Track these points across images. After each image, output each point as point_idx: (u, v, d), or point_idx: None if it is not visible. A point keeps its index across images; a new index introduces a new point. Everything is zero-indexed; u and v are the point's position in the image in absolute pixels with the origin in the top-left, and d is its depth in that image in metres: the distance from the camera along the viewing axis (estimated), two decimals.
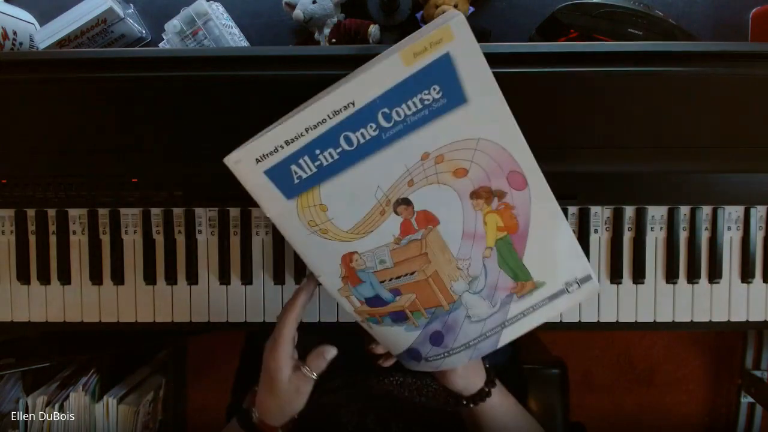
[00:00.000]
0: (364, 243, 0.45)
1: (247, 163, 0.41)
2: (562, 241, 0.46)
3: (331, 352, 0.49)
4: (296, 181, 0.42)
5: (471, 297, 0.47)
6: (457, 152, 0.41)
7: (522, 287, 0.47)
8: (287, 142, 0.40)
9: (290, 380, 0.48)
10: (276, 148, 0.41)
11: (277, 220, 0.44)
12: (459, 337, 0.49)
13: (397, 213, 0.43)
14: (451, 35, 0.37)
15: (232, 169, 0.42)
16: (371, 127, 0.40)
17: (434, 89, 0.39)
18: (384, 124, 0.40)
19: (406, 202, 0.43)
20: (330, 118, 0.39)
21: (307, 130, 0.40)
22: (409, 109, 0.40)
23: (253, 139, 0.41)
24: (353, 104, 0.39)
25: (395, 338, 0.50)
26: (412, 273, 0.46)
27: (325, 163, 0.41)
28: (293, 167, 0.41)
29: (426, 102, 0.39)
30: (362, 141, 0.40)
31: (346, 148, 0.41)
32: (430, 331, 0.49)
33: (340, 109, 0.39)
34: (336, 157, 0.41)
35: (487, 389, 0.52)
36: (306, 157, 0.41)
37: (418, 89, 0.39)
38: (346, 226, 0.44)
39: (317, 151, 0.41)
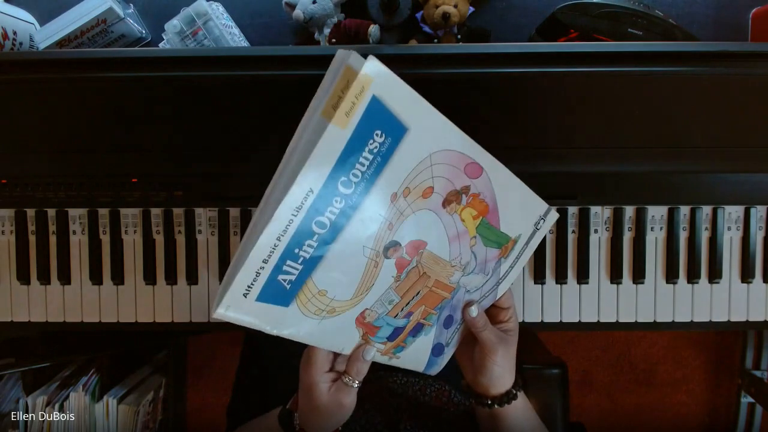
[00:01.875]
0: (370, 297, 0.45)
1: (237, 304, 0.39)
2: (519, 193, 0.49)
3: (369, 352, 0.46)
4: (288, 286, 0.40)
5: (466, 278, 0.49)
6: (418, 176, 0.42)
7: (506, 249, 0.50)
8: (265, 261, 0.38)
9: (330, 394, 0.46)
10: (257, 273, 0.39)
11: (285, 331, 0.43)
12: (458, 312, 0.51)
13: (388, 257, 0.44)
14: (369, 78, 0.37)
15: (223, 318, 0.39)
16: (336, 200, 0.39)
17: (377, 134, 0.39)
18: (347, 191, 0.39)
19: (393, 244, 0.43)
20: (296, 215, 0.38)
21: (278, 239, 0.38)
22: (363, 165, 0.39)
23: (230, 278, 0.39)
24: (312, 191, 0.38)
25: (419, 351, 0.52)
26: (418, 293, 0.47)
27: (308, 256, 0.40)
28: (280, 277, 0.40)
29: (374, 150, 0.39)
30: (334, 218, 0.39)
31: (322, 231, 0.39)
32: (442, 320, 0.51)
33: (302, 203, 0.38)
34: (315, 244, 0.40)
35: (514, 391, 0.51)
36: (289, 261, 0.39)
37: (364, 142, 0.38)
38: (348, 296, 0.44)
39: (296, 250, 0.39)
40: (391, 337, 0.49)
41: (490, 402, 0.51)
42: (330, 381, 0.47)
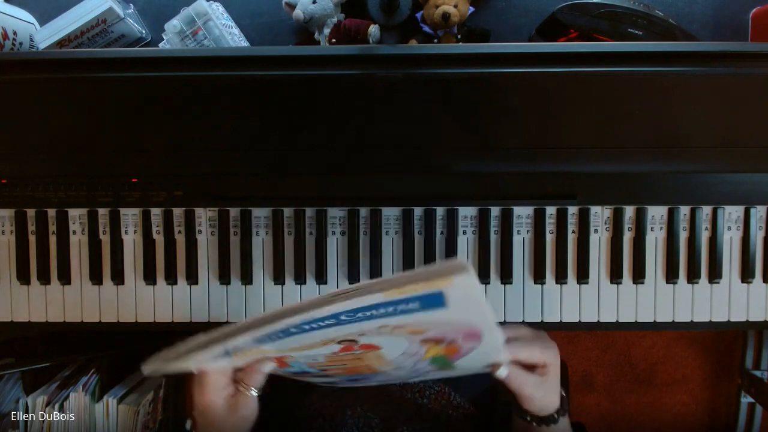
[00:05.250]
0: (300, 354, 0.44)
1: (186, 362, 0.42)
2: (494, 351, 0.46)
3: (267, 365, 0.44)
4: (234, 351, 0.41)
5: (392, 372, 0.48)
6: (420, 325, 0.39)
7: (440, 369, 0.49)
8: (235, 347, 0.40)
9: (229, 411, 0.45)
10: (223, 351, 0.40)
11: (209, 365, 0.43)
12: (367, 381, 0.52)
13: (339, 343, 0.42)
14: (451, 283, 0.33)
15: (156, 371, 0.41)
16: (329, 322, 0.37)
17: (411, 304, 0.35)
18: (344, 318, 0.37)
19: (352, 342, 0.42)
20: (285, 329, 0.38)
21: (256, 338, 0.39)
22: (376, 313, 0.36)
23: (190, 350, 0.40)
24: (310, 321, 0.37)
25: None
26: (344, 365, 0.46)
27: (271, 338, 0.40)
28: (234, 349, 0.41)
29: (396, 310, 0.36)
30: (314, 327, 0.38)
31: (297, 332, 0.39)
32: (345, 380, 0.51)
33: (291, 326, 0.37)
34: (284, 336, 0.39)
35: (556, 416, 0.50)
36: (252, 343, 0.41)
37: (394, 305, 0.36)
38: (283, 348, 0.43)
39: (262, 340, 0.40)
40: (297, 374, 0.49)
41: (529, 418, 0.51)
42: (225, 398, 0.45)
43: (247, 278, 0.63)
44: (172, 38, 0.71)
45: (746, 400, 1.24)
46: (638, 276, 0.62)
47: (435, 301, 0.35)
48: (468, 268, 0.33)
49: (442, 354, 0.45)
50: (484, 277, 0.62)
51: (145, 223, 0.63)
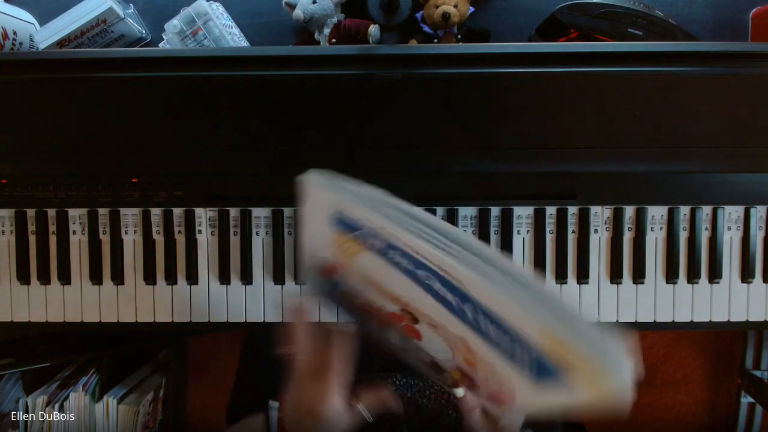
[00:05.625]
0: (361, 263, 0.42)
1: (325, 199, 0.39)
2: None
3: (393, 401, 0.44)
4: (356, 232, 0.39)
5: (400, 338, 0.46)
6: (491, 367, 0.40)
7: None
8: (382, 229, 0.37)
9: (342, 419, 0.43)
10: (364, 219, 0.38)
11: (305, 221, 0.42)
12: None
13: (399, 312, 0.42)
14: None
15: (307, 179, 0.39)
16: (452, 296, 0.37)
17: (531, 355, 0.37)
18: (463, 308, 0.37)
19: (414, 320, 0.41)
20: (439, 271, 0.36)
21: (419, 252, 0.36)
22: (505, 343, 0.37)
23: (357, 193, 0.38)
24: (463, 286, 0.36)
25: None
26: (381, 306, 0.45)
27: (389, 256, 0.38)
28: (367, 234, 0.38)
29: (516, 348, 0.37)
30: (435, 288, 0.37)
31: (422, 276, 0.37)
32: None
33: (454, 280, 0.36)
34: (405, 266, 0.37)
35: None
36: (378, 241, 0.38)
37: (524, 348, 0.36)
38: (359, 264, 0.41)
39: (394, 253, 0.38)
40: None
41: None
42: (344, 407, 0.43)
43: (247, 278, 0.63)
44: (172, 38, 0.71)
45: (746, 400, 1.24)
46: (638, 276, 0.62)
47: (546, 372, 0.36)
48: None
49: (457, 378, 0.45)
50: None
51: (145, 223, 0.63)
